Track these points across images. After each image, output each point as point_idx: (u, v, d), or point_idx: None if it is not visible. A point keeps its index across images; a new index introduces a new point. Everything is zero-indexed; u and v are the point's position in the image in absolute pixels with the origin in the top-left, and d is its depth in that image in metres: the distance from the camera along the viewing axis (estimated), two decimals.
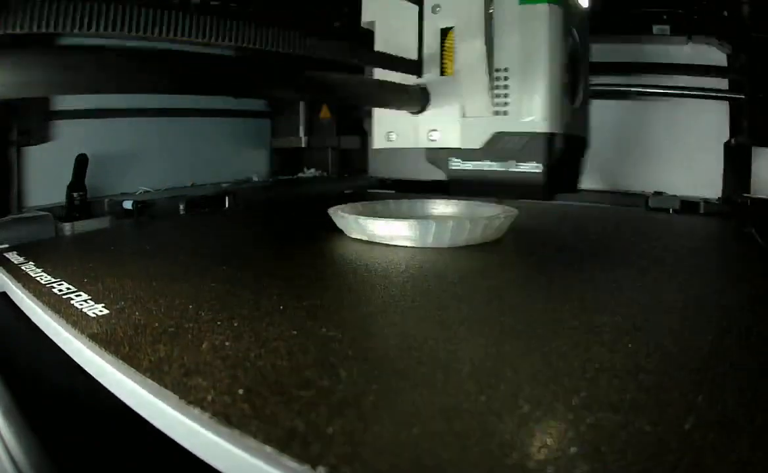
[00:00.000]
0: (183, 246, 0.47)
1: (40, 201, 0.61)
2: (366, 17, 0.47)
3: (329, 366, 0.22)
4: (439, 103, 0.45)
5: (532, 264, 0.42)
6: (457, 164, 0.46)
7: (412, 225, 0.42)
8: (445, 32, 0.44)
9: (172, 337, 0.25)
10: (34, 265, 0.39)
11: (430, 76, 0.45)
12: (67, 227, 0.55)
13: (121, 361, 0.22)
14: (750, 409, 0.19)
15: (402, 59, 0.43)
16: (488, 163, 0.44)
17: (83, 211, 0.59)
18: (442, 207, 0.57)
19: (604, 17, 0.73)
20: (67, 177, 0.59)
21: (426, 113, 0.45)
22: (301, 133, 0.92)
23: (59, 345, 0.28)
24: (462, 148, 0.45)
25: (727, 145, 0.72)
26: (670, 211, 0.70)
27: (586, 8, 0.47)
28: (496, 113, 0.43)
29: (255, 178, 0.90)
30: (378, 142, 0.49)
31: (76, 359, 0.26)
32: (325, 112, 0.93)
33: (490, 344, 0.25)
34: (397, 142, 0.48)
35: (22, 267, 0.39)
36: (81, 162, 0.59)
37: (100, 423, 0.29)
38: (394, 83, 0.44)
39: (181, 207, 0.66)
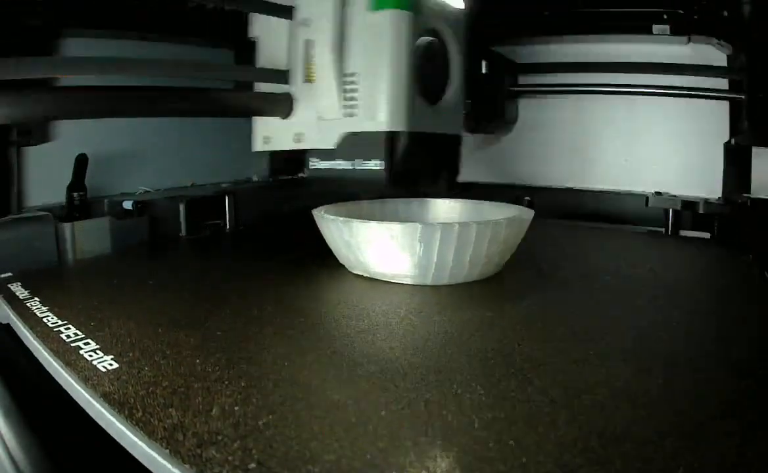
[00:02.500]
0: (184, 280, 0.47)
1: (40, 201, 0.61)
2: (252, 33, 0.52)
3: (335, 438, 0.22)
4: (302, 107, 0.49)
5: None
6: (314, 163, 0.49)
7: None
8: (309, 43, 0.47)
9: (183, 400, 0.25)
10: (39, 302, 0.40)
11: (296, 83, 0.49)
12: (67, 227, 0.55)
13: (135, 427, 0.23)
14: None
15: (271, 71, 0.49)
16: (340, 161, 0.47)
17: (83, 211, 0.58)
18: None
19: (604, 17, 0.73)
20: (67, 177, 0.59)
21: (292, 117, 0.49)
22: None
23: (68, 392, 0.29)
24: (319, 148, 0.48)
25: (727, 145, 0.72)
26: (671, 218, 0.70)
27: (459, 9, 0.49)
28: (347, 115, 0.46)
29: (255, 178, 0.90)
30: (258, 144, 0.53)
31: (86, 409, 0.27)
32: None
33: None
34: (273, 144, 0.52)
35: (28, 304, 0.39)
36: (81, 162, 0.59)
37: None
38: (259, 93, 0.49)
39: (181, 207, 0.66)
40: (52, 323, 0.35)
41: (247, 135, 0.91)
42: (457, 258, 0.42)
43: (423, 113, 0.46)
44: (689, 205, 0.70)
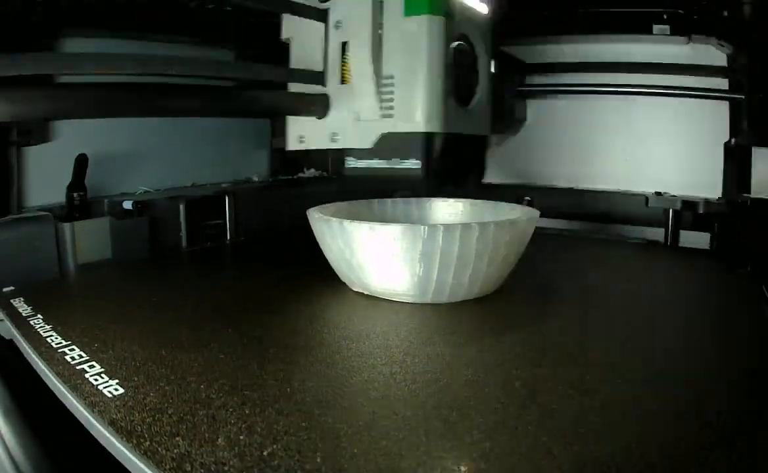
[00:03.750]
0: (186, 298, 0.47)
1: (40, 201, 0.61)
2: (284, 35, 0.53)
3: (338, 469, 0.22)
4: (338, 108, 0.50)
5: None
6: (352, 162, 0.51)
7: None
8: (345, 45, 0.49)
9: (189, 428, 0.25)
10: (43, 320, 0.40)
11: (331, 84, 0.51)
12: (67, 227, 0.55)
13: (144, 456, 0.23)
14: None
15: (308, 72, 0.50)
16: (377, 160, 0.49)
17: (83, 211, 0.58)
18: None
19: (604, 17, 0.73)
20: (67, 177, 0.59)
21: (328, 117, 0.51)
22: None
23: (74, 415, 0.29)
24: (356, 148, 0.50)
25: (727, 145, 0.72)
26: (671, 218, 0.70)
27: (485, 15, 0.52)
28: (384, 116, 0.48)
29: (255, 178, 0.90)
30: (291, 143, 0.54)
31: (92, 432, 0.27)
32: None
33: None
34: (308, 143, 0.53)
35: (31, 322, 0.40)
36: (81, 162, 0.59)
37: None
38: (297, 93, 0.51)
39: (181, 207, 0.66)
40: (57, 343, 0.36)
41: (248, 135, 0.92)
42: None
43: (456, 115, 0.49)
44: (689, 205, 0.70)
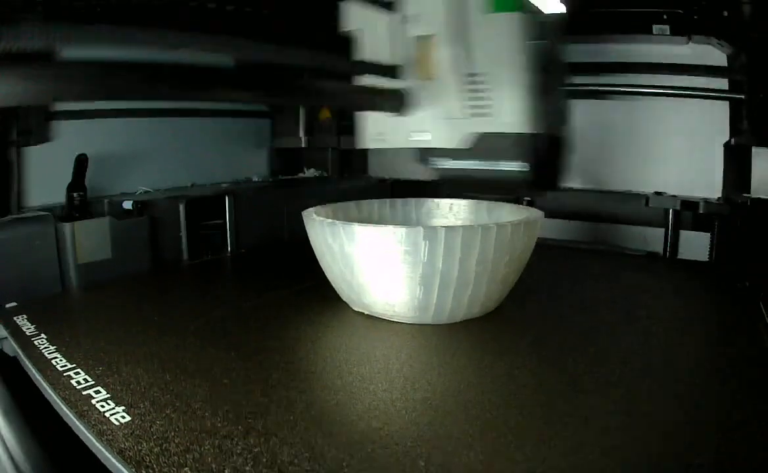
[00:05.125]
0: (189, 317, 0.47)
1: (40, 201, 0.61)
2: (349, 26, 0.50)
3: None
4: (423, 105, 0.47)
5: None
6: (443, 163, 0.48)
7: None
8: (423, 39, 0.46)
9: (196, 458, 0.26)
10: (47, 340, 0.40)
11: (411, 80, 0.47)
12: (67, 227, 0.55)
13: None
14: None
15: (381, 65, 0.47)
16: (473, 161, 0.46)
17: (83, 211, 0.58)
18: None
19: (603, 18, 0.73)
20: (67, 177, 0.59)
21: (412, 115, 0.48)
22: (301, 133, 0.92)
23: (81, 439, 0.29)
24: (448, 148, 0.47)
25: (727, 145, 0.72)
26: (671, 218, 0.70)
27: (555, 14, 0.50)
28: (475, 115, 0.45)
29: (255, 178, 0.90)
30: (369, 141, 0.51)
31: (98, 456, 0.27)
32: (325, 113, 0.93)
33: None
34: (387, 141, 0.50)
35: (35, 342, 0.40)
36: (81, 162, 0.59)
37: None
38: (369, 87, 0.47)
39: (181, 207, 0.66)
40: (62, 366, 0.36)
41: (248, 135, 0.92)
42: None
43: (545, 115, 0.46)
44: (689, 205, 0.70)
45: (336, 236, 0.44)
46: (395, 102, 0.47)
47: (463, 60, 0.45)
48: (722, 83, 0.71)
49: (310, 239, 0.48)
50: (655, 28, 0.70)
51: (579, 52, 0.78)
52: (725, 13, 0.66)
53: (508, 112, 0.44)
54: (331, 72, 0.43)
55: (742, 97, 0.67)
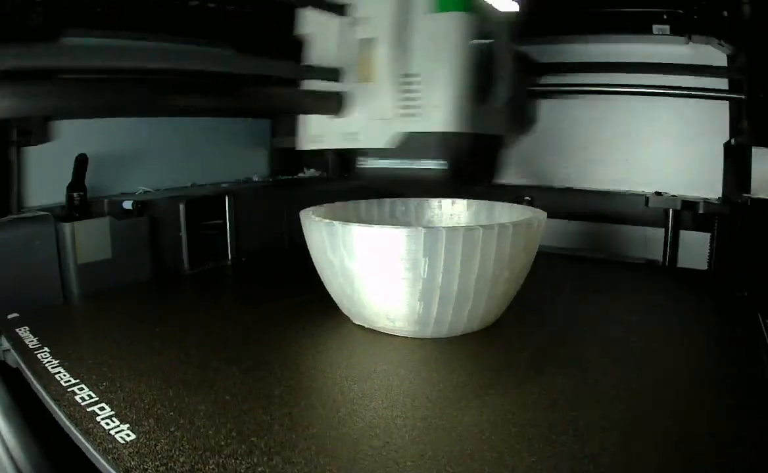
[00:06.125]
0: (190, 329, 0.47)
1: (40, 201, 0.61)
2: (303, 29, 0.50)
3: None
4: (357, 106, 0.47)
5: None
6: (370, 163, 0.48)
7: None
8: (366, 42, 0.46)
9: None
10: (50, 354, 0.40)
11: (349, 82, 0.48)
12: (67, 227, 0.55)
13: None
14: None
15: (325, 68, 0.47)
16: (398, 161, 0.47)
17: (83, 211, 0.58)
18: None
19: (603, 17, 0.73)
20: (67, 177, 0.59)
21: (346, 116, 0.48)
22: None
23: (86, 454, 0.29)
24: (376, 148, 0.47)
25: (727, 145, 0.72)
26: (671, 219, 0.70)
27: (504, 13, 0.50)
28: (406, 115, 0.45)
29: (255, 178, 0.90)
30: (305, 143, 0.52)
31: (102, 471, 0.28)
32: None
33: None
34: (323, 142, 0.50)
35: (38, 355, 0.40)
36: (81, 162, 0.59)
37: None
38: (311, 90, 0.48)
39: (181, 207, 0.66)
40: (65, 381, 0.36)
41: (248, 135, 0.92)
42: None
43: (478, 114, 0.46)
44: (689, 205, 0.70)
45: (336, 250, 0.44)
46: (333, 104, 0.48)
47: (400, 61, 0.45)
48: (722, 83, 0.71)
49: (308, 245, 0.48)
50: (655, 28, 0.70)
51: (579, 51, 0.78)
52: (725, 13, 0.66)
53: (435, 111, 0.44)
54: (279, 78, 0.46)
55: (742, 97, 0.67)
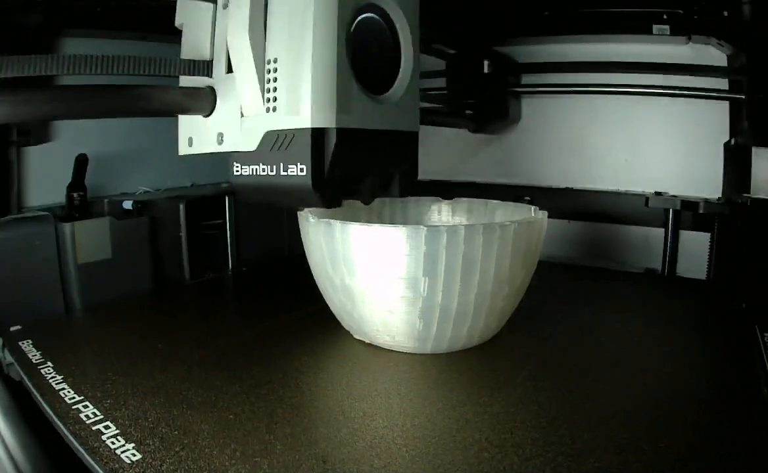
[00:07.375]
0: (193, 345, 0.47)
1: (40, 201, 0.61)
2: (178, 20, 0.44)
3: None
4: (225, 103, 0.40)
5: None
6: (236, 169, 0.39)
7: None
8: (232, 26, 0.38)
9: None
10: (53, 369, 0.40)
11: (217, 75, 0.40)
12: (67, 227, 0.55)
13: None
14: None
15: (190, 62, 0.40)
16: (261, 166, 0.37)
17: (83, 211, 0.59)
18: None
19: (604, 17, 0.73)
20: (67, 177, 0.59)
21: (214, 115, 0.41)
22: None
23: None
24: (240, 151, 0.39)
25: (727, 145, 0.72)
26: (671, 219, 0.69)
27: None
28: (269, 110, 0.37)
29: None
30: (182, 148, 0.45)
31: None
32: None
33: None
34: (196, 147, 0.43)
35: (42, 371, 0.40)
36: (81, 162, 0.59)
37: None
38: (176, 87, 0.41)
39: (181, 207, 0.66)
40: (70, 398, 0.36)
41: None
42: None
43: (362, 107, 0.37)
44: (689, 205, 0.70)
45: (336, 267, 0.43)
46: (204, 102, 0.40)
47: (257, 45, 0.36)
48: (722, 83, 0.71)
49: (309, 262, 0.48)
50: (655, 28, 0.70)
51: (579, 51, 0.78)
52: (725, 13, 0.66)
53: (296, 105, 0.36)
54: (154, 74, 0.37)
55: (742, 97, 0.67)
